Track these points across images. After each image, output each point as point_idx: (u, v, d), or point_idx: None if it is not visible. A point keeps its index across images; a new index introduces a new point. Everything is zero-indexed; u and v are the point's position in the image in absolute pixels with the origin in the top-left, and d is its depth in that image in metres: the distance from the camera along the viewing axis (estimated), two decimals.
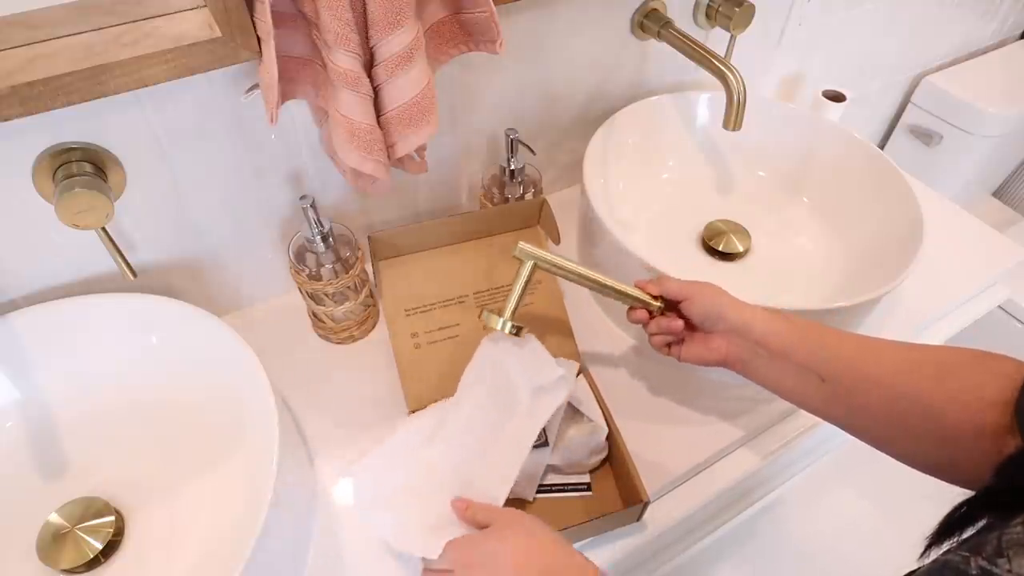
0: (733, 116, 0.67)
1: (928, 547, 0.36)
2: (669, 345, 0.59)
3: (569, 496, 0.60)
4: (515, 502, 0.59)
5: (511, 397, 0.56)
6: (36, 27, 0.47)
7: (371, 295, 0.72)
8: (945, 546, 0.34)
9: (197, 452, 0.58)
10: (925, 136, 1.37)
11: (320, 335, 0.72)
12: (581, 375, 0.64)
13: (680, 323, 0.57)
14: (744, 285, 0.56)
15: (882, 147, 1.48)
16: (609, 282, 0.57)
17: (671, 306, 0.57)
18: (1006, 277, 0.85)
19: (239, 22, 0.48)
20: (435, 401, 0.62)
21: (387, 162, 0.57)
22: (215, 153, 0.60)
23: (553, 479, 0.60)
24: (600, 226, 0.67)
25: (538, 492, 0.59)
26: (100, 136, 0.54)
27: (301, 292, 0.67)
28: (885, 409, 0.46)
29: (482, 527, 0.49)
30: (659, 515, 0.60)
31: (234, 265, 0.70)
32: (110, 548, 0.54)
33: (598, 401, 0.61)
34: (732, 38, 0.82)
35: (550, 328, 0.68)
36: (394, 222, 0.79)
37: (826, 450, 0.81)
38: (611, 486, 0.60)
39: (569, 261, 0.57)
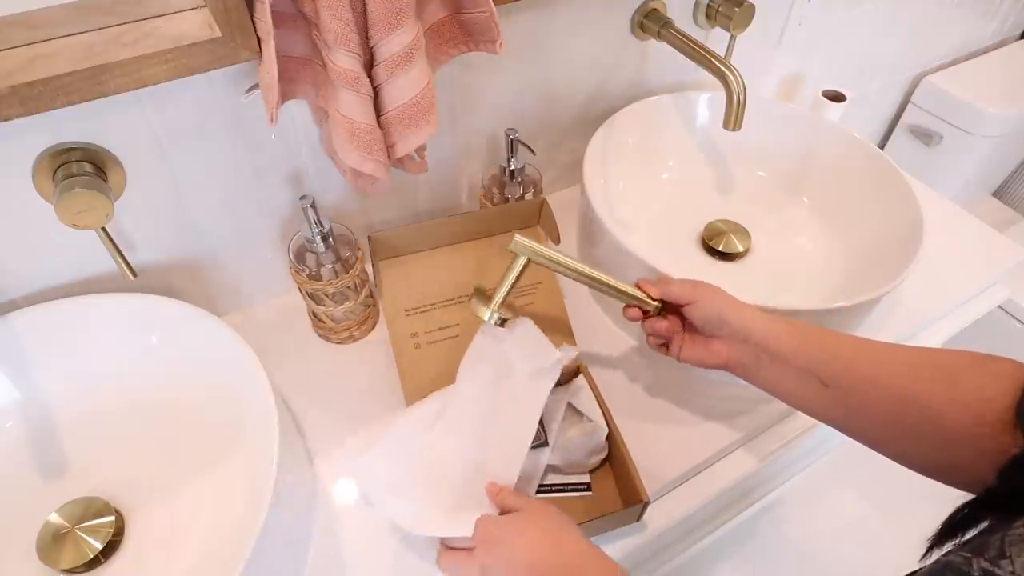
0: (733, 116, 0.67)
1: (930, 548, 0.36)
2: (665, 345, 0.59)
3: (569, 496, 0.60)
4: None
5: (511, 379, 0.57)
6: (36, 27, 0.47)
7: (371, 295, 0.72)
8: (947, 547, 0.34)
9: (197, 452, 0.58)
10: (925, 136, 1.37)
11: (320, 335, 0.73)
12: (581, 375, 0.64)
13: (664, 324, 0.57)
14: (744, 285, 0.56)
15: (882, 147, 1.48)
16: (605, 278, 0.57)
17: (673, 307, 0.57)
18: (1006, 277, 0.85)
19: (239, 22, 0.48)
20: None
21: (387, 162, 0.57)
22: (215, 153, 0.60)
23: (553, 479, 0.60)
24: (600, 226, 0.67)
25: (538, 492, 0.59)
26: (100, 136, 0.54)
27: (301, 292, 0.67)
28: (884, 411, 0.46)
29: (509, 512, 0.49)
30: (659, 515, 0.60)
31: (234, 265, 0.70)
32: (110, 548, 0.54)
33: (598, 401, 0.61)
34: (732, 38, 0.82)
35: (550, 328, 0.67)
36: (394, 222, 0.79)
37: (826, 450, 0.82)
38: (611, 486, 0.60)
39: (565, 256, 0.56)
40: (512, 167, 0.71)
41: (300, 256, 0.64)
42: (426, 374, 0.64)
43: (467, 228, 0.68)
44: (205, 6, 0.49)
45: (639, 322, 0.59)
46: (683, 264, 0.77)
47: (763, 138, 0.84)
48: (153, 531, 0.55)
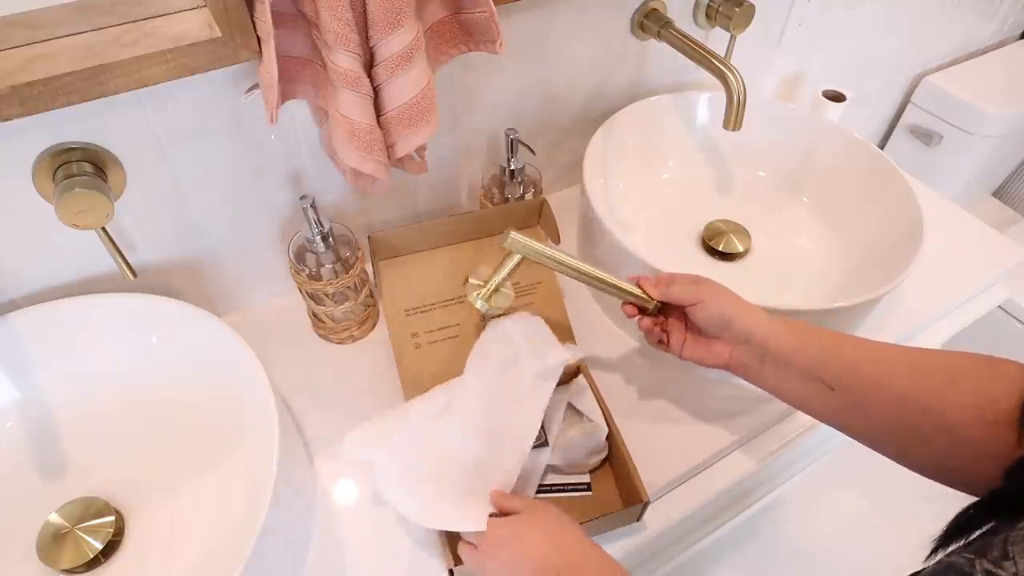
0: (733, 116, 0.67)
1: (935, 549, 0.36)
2: (664, 342, 0.59)
3: (569, 496, 0.60)
4: None
5: (518, 375, 0.57)
6: (36, 27, 0.47)
7: (371, 295, 0.72)
8: (952, 548, 0.34)
9: (197, 452, 0.58)
10: (925, 136, 1.37)
11: (320, 335, 0.72)
12: (581, 375, 0.64)
13: (660, 328, 0.57)
14: (744, 285, 0.56)
15: (882, 147, 1.48)
16: (601, 274, 0.56)
17: (675, 305, 0.57)
18: (1006, 277, 0.85)
19: (239, 22, 0.48)
20: None
21: (387, 162, 0.57)
22: (215, 153, 0.60)
23: (553, 479, 0.60)
24: (600, 226, 0.67)
25: (538, 492, 0.59)
26: (100, 136, 0.54)
27: (301, 292, 0.67)
28: (885, 411, 0.46)
29: (510, 514, 0.49)
30: (659, 515, 0.60)
31: (234, 265, 0.70)
32: (110, 548, 0.54)
33: (598, 401, 0.61)
34: (732, 38, 0.82)
35: (550, 328, 0.67)
36: (394, 222, 0.79)
37: (826, 450, 0.82)
38: (611, 486, 0.60)
39: (560, 253, 0.56)
40: (512, 167, 0.71)
41: (300, 256, 0.64)
42: (426, 374, 0.63)
43: (467, 228, 0.68)
44: (205, 6, 0.49)
45: (636, 318, 0.58)
46: (683, 264, 0.76)
47: (763, 138, 0.84)
48: (153, 531, 0.55)
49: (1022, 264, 0.85)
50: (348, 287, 0.67)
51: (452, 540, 0.52)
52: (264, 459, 0.48)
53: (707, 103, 0.86)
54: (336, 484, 0.61)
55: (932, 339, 0.81)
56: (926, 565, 0.32)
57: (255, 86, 0.56)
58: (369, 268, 0.71)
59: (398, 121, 0.55)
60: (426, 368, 0.64)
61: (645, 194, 0.84)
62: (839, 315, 0.63)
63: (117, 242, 0.54)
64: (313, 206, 0.60)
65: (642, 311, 0.58)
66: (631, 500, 0.57)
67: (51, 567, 0.52)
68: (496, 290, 0.58)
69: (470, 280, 0.58)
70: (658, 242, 0.80)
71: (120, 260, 0.54)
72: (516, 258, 0.56)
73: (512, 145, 0.69)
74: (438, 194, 0.79)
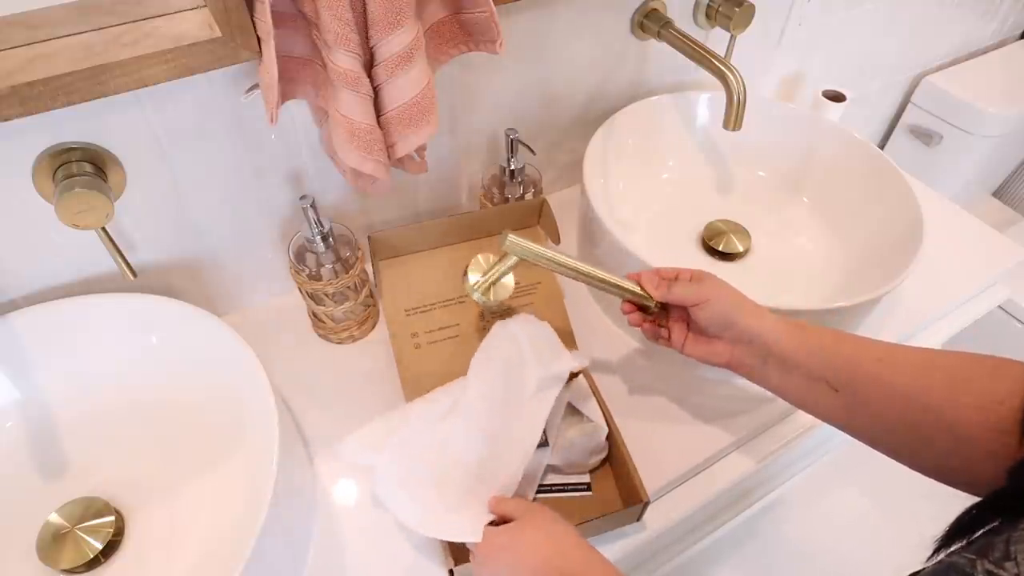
0: (733, 116, 0.67)
1: (937, 549, 0.36)
2: (665, 337, 0.58)
3: (569, 496, 0.60)
4: None
5: (522, 380, 0.57)
6: (36, 27, 0.47)
7: (371, 295, 0.72)
8: (954, 548, 0.34)
9: (197, 452, 0.58)
10: (925, 136, 1.37)
11: (320, 335, 0.72)
12: (582, 375, 0.64)
13: (658, 329, 0.58)
14: (744, 285, 0.56)
15: (882, 147, 1.48)
16: (601, 274, 0.56)
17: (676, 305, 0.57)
18: (1006, 277, 0.85)
19: (239, 22, 0.48)
20: None
21: (387, 162, 0.57)
22: (215, 153, 0.60)
23: (553, 479, 0.60)
24: (600, 226, 0.67)
25: (538, 492, 0.59)
26: (100, 136, 0.54)
27: (301, 292, 0.67)
28: (886, 409, 0.46)
29: (509, 520, 0.49)
30: (659, 515, 0.60)
31: (234, 265, 0.70)
32: (110, 548, 0.54)
33: (598, 401, 0.61)
34: (732, 38, 0.82)
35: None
36: (394, 222, 0.79)
37: (826, 450, 0.82)
38: (611, 486, 0.60)
39: (559, 254, 0.55)
40: (512, 167, 0.71)
41: (300, 256, 0.64)
42: (426, 374, 0.63)
43: (467, 228, 0.68)
44: (205, 6, 0.49)
45: (634, 315, 0.58)
46: (683, 264, 0.77)
47: (763, 138, 0.84)
48: (153, 531, 0.55)
49: (1022, 264, 0.85)
50: (348, 287, 0.67)
51: (453, 541, 0.52)
52: (264, 459, 0.48)
53: (707, 103, 0.86)
54: (336, 484, 0.61)
55: (932, 339, 0.81)
56: (927, 565, 0.32)
57: (255, 86, 0.56)
58: (369, 268, 0.71)
59: (398, 121, 0.55)
60: (426, 368, 0.64)
61: (645, 194, 0.84)
62: (839, 315, 0.63)
63: (117, 242, 0.54)
64: (313, 206, 0.60)
65: (643, 309, 0.58)
66: (631, 500, 0.57)
67: (51, 567, 0.52)
68: (494, 283, 0.58)
69: (469, 272, 0.58)
70: (658, 242, 0.80)
71: (120, 260, 0.54)
72: (512, 259, 0.56)
73: (512, 145, 0.69)
74: (438, 194, 0.79)
